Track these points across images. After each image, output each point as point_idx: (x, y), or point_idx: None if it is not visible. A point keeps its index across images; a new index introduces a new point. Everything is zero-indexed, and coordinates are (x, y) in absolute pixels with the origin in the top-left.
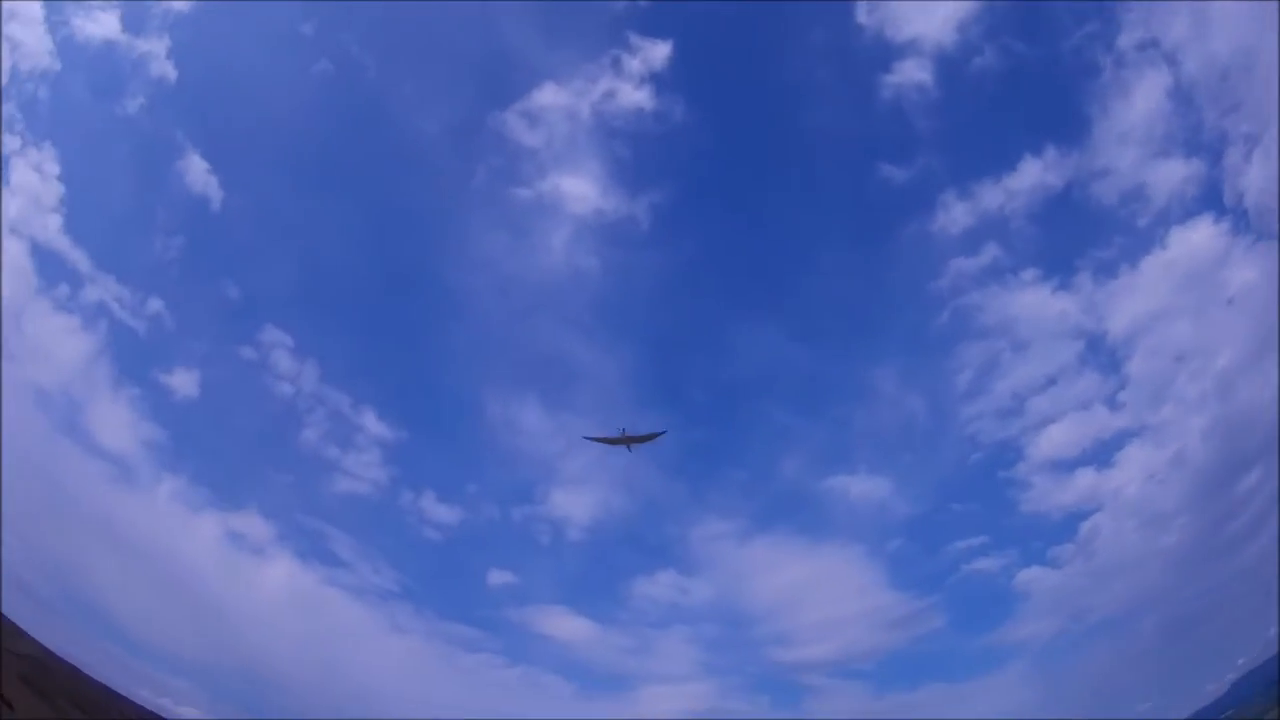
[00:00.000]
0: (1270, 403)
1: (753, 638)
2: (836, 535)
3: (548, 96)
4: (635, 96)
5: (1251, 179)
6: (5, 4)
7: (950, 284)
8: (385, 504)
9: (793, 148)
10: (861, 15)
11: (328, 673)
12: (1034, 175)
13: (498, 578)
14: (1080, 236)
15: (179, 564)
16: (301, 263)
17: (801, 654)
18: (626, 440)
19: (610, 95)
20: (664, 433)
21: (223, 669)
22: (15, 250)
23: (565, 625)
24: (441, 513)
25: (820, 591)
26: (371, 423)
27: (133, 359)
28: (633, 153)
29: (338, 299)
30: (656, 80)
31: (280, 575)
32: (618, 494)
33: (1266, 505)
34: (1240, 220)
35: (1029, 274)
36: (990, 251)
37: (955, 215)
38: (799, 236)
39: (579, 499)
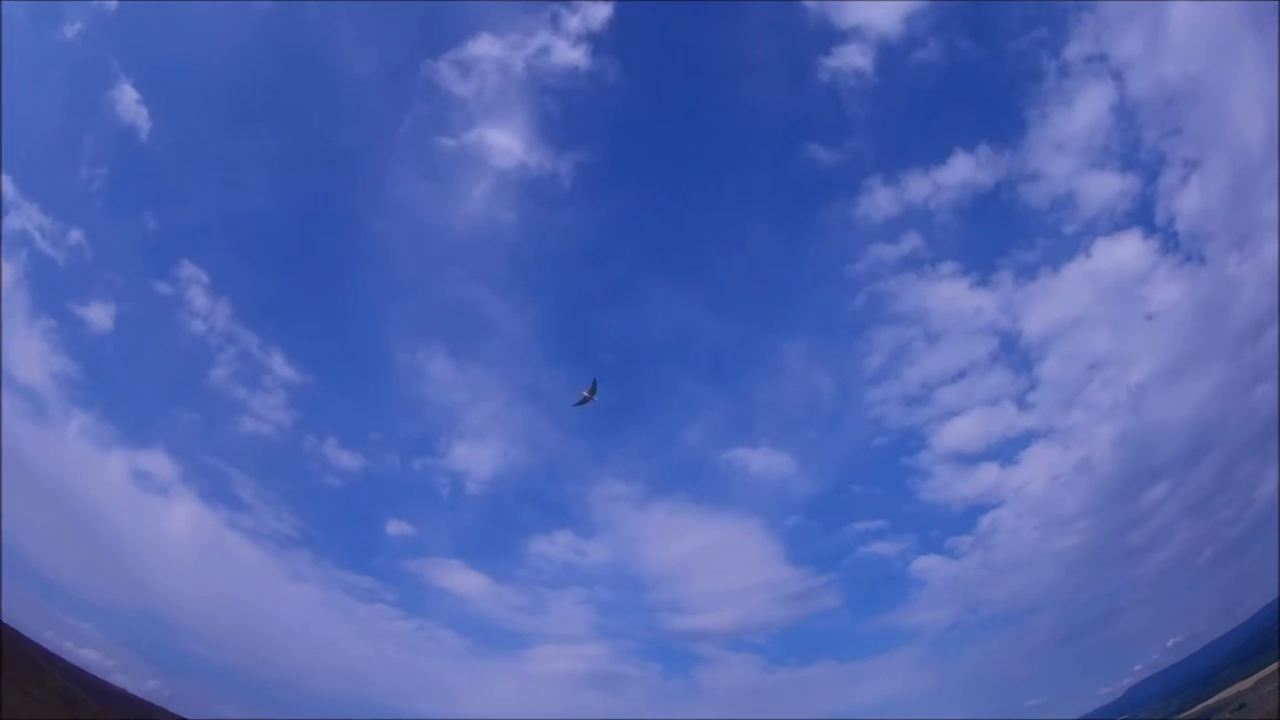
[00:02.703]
0: (1183, 421)
1: (647, 603)
2: (735, 507)
3: (482, 47)
4: (571, 55)
5: (1186, 202)
6: None
7: (868, 269)
8: (288, 448)
9: (723, 120)
10: None
11: (230, 619)
12: (964, 171)
13: (396, 528)
14: (1004, 236)
15: (85, 502)
16: (224, 199)
17: (695, 622)
18: (587, 398)
19: (545, 51)
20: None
21: (125, 611)
22: None
23: (461, 580)
24: (343, 459)
25: (716, 561)
26: (279, 364)
27: (50, 290)
28: (562, 111)
29: (256, 237)
30: (594, 40)
31: (184, 516)
32: (519, 449)
33: (1172, 519)
34: (1170, 240)
35: (948, 267)
36: (911, 241)
37: (879, 202)
38: (721, 208)
39: (480, 452)
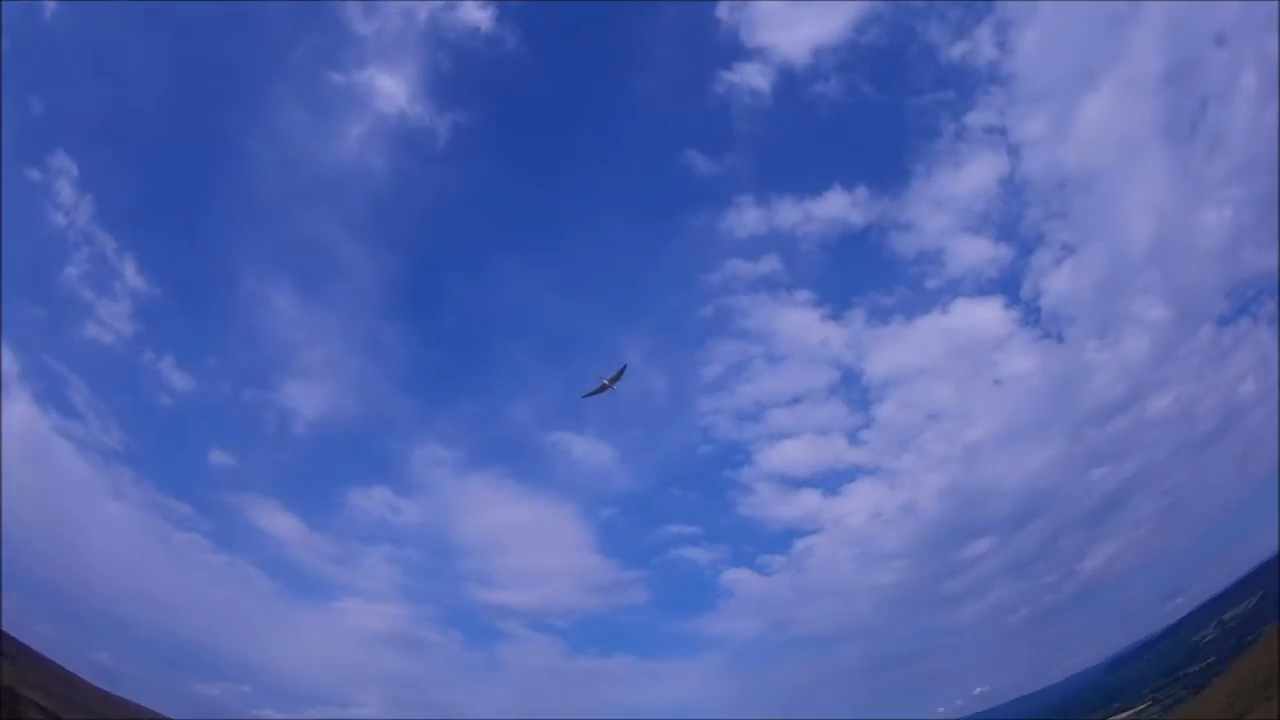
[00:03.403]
0: (1015, 485)
1: (456, 571)
2: (552, 489)
3: None
4: (476, 15)
5: (1056, 282)
6: None
7: (722, 281)
8: (127, 359)
9: (611, 111)
10: (722, 10)
11: (47, 527)
12: (838, 207)
13: (219, 458)
14: (865, 277)
15: None
16: (109, 93)
17: (501, 597)
18: (606, 385)
19: (453, 6)
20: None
21: None
22: None
23: (277, 520)
24: (177, 380)
25: (528, 540)
26: (131, 273)
27: None
28: (454, 68)
29: (131, 139)
30: (502, 7)
31: (17, 416)
32: (349, 397)
33: (990, 575)
34: (1031, 314)
35: (803, 295)
36: (770, 263)
37: (746, 220)
38: (588, 195)
39: (311, 393)
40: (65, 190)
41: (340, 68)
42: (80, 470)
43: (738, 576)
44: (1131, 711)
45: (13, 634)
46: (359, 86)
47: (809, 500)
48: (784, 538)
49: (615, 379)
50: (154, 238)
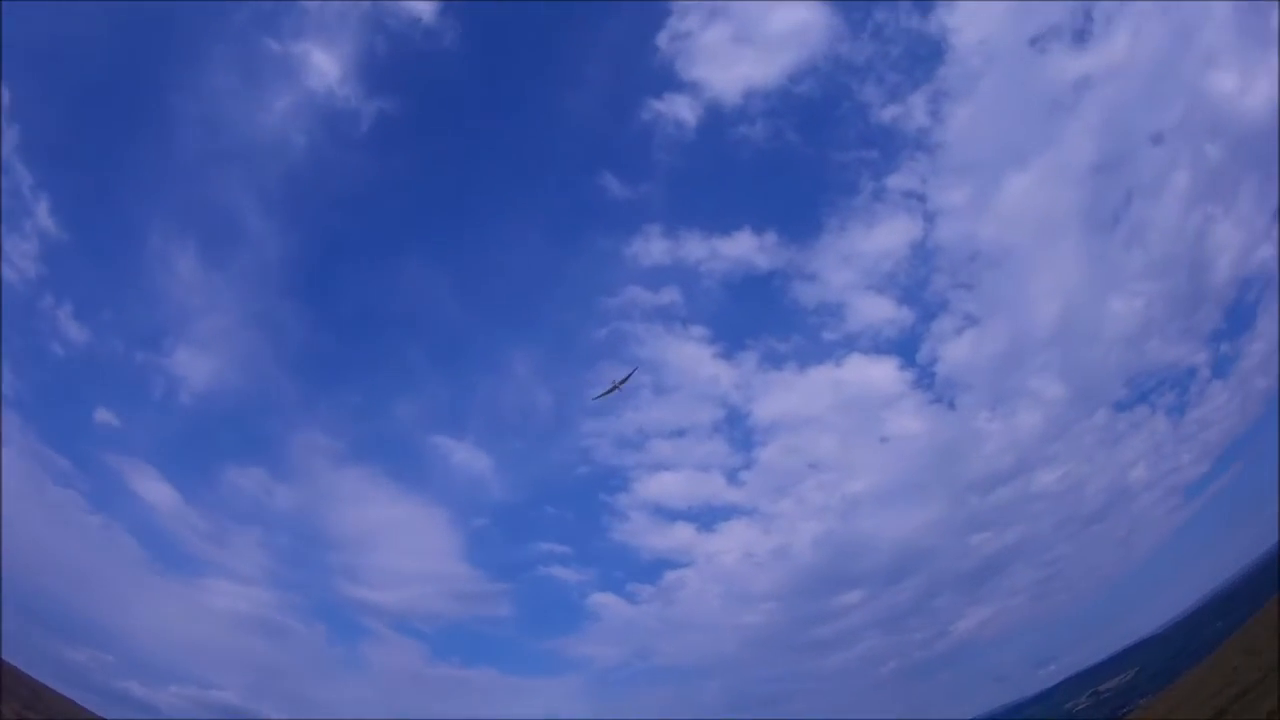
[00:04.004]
0: (891, 541)
1: (325, 562)
2: (427, 492)
3: None
4: (420, 6)
5: (953, 351)
6: None
7: (620, 306)
8: (26, 301)
9: (537, 120)
10: (662, 39)
11: None
12: (744, 248)
13: (103, 417)
14: (762, 321)
15: None
16: (44, 26)
17: (368, 595)
18: (616, 386)
19: None
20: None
21: None
22: None
23: (153, 488)
24: (73, 330)
25: (399, 540)
26: (44, 212)
27: None
28: (389, 55)
29: (62, 74)
30: (447, 2)
31: None
32: (237, 372)
33: (860, 626)
34: (925, 378)
35: (698, 330)
36: (670, 295)
37: (653, 249)
38: (499, 203)
39: (201, 362)
40: None
41: (278, 36)
42: None
43: (605, 601)
44: None
45: None
46: (293, 58)
47: (683, 534)
48: (655, 568)
49: (624, 381)
50: (70, 179)
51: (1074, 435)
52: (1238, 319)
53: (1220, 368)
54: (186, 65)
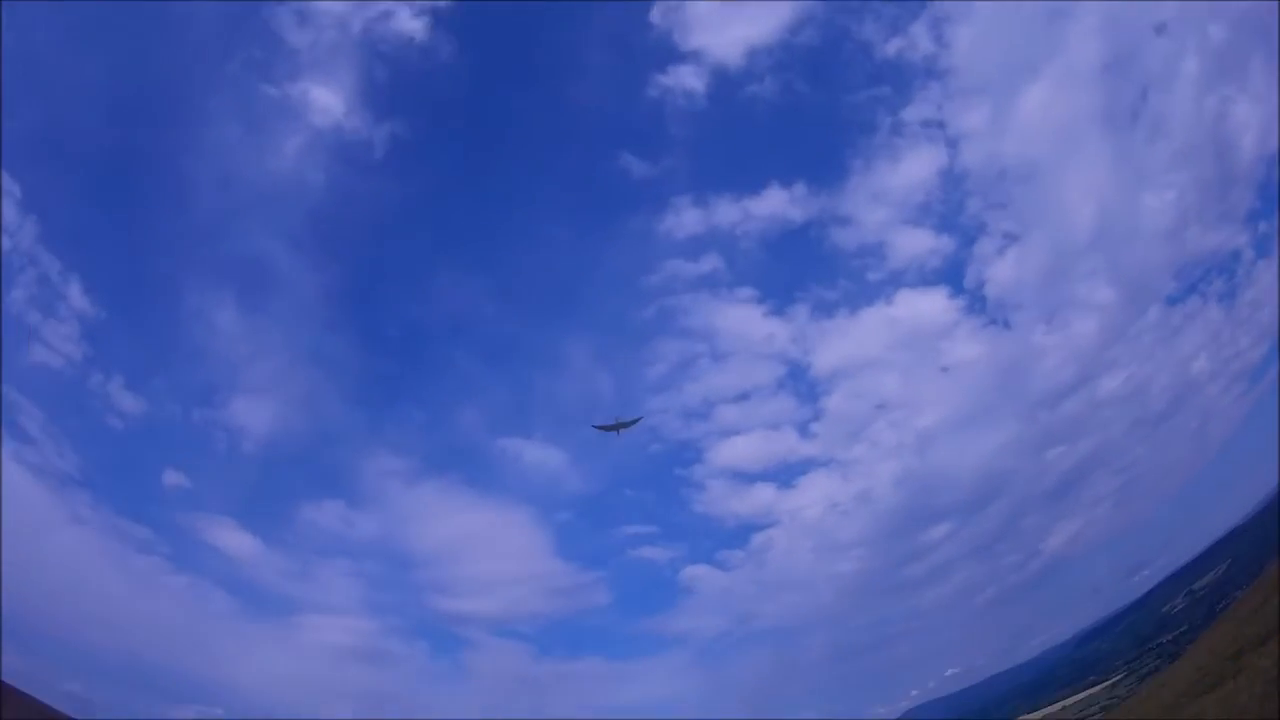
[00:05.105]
0: (970, 469)
1: (415, 581)
2: (506, 495)
3: None
4: (410, 25)
5: (999, 271)
6: None
7: (662, 282)
8: (76, 382)
9: (544, 116)
10: (655, 14)
11: (7, 557)
12: (777, 204)
13: (173, 479)
14: (806, 272)
15: None
16: (45, 113)
17: (463, 605)
18: (619, 426)
19: (387, 16)
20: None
21: None
22: None
23: (232, 539)
24: (127, 401)
25: (485, 547)
26: (76, 294)
27: None
28: (389, 79)
29: (69, 159)
30: (436, 16)
31: None
32: (297, 412)
33: (951, 559)
34: (976, 302)
35: (745, 292)
36: (711, 262)
37: (685, 221)
38: (527, 201)
39: (259, 409)
40: (10, 211)
41: (274, 80)
42: (37, 495)
43: (697, 573)
44: (1107, 683)
45: None
46: (294, 99)
47: (763, 494)
48: (741, 532)
49: (626, 426)
50: (96, 259)
51: (1131, 336)
52: (1271, 195)
53: (1263, 247)
54: (188, 126)
